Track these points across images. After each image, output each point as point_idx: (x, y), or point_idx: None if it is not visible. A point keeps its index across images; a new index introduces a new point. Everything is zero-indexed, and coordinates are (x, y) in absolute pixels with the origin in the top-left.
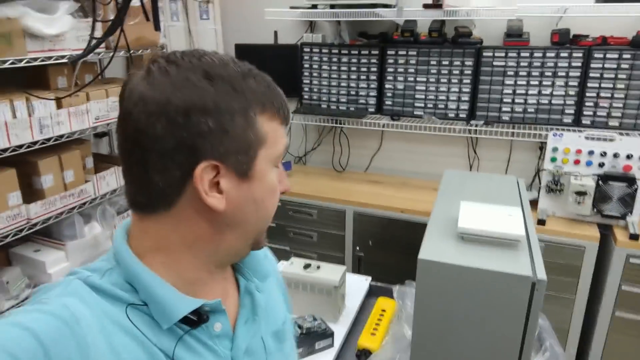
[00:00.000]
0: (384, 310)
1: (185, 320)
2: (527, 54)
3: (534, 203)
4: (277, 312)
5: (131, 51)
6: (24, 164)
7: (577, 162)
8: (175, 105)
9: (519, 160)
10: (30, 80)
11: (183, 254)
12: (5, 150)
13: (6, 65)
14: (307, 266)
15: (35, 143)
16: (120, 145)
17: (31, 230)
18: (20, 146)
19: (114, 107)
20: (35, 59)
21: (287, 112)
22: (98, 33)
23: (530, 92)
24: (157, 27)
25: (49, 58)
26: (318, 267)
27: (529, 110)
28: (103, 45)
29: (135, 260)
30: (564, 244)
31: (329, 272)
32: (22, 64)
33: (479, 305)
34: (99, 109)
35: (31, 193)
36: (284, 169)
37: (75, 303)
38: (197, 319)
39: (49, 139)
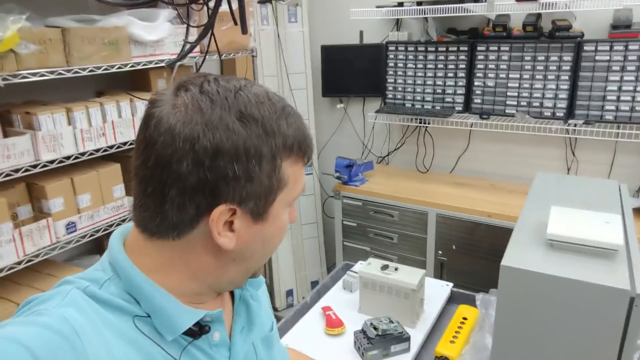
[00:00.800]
0: (465, 318)
1: (187, 331)
2: (637, 47)
3: (639, 211)
4: (264, 318)
5: (222, 55)
6: (127, 160)
7: None
8: (204, 146)
9: (623, 164)
10: (134, 83)
11: (184, 280)
12: (112, 147)
13: (114, 70)
14: (384, 267)
15: None
16: (137, 168)
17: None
18: (125, 143)
19: None
20: (138, 64)
21: (311, 153)
22: (192, 38)
23: (639, 88)
24: (244, 31)
25: (150, 62)
26: (396, 269)
27: (637, 108)
28: (198, 49)
29: (137, 271)
30: None
31: (407, 275)
32: (127, 68)
33: (567, 320)
34: None
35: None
36: (365, 169)
37: (75, 315)
38: (198, 329)
39: None
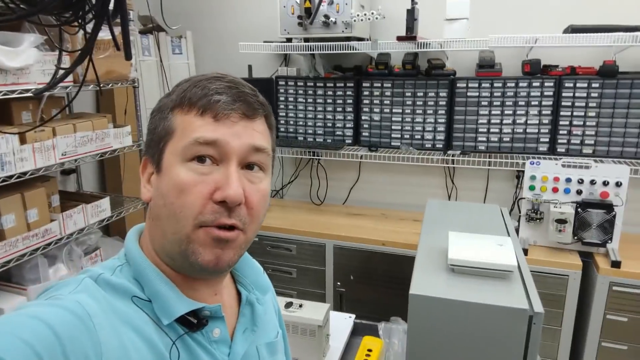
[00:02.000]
0: (370, 350)
1: (185, 322)
2: (500, 84)
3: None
4: (270, 325)
5: (101, 85)
6: None
7: (555, 190)
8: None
9: (496, 189)
10: None
11: (158, 253)
12: None
13: None
14: (288, 305)
15: None
16: None
17: None
18: None
19: (82, 142)
20: None
21: (213, 103)
22: (66, 66)
23: (505, 121)
24: (128, 57)
25: (13, 92)
26: (300, 306)
27: (505, 139)
28: (71, 78)
29: (143, 257)
30: (548, 274)
31: (311, 311)
32: None
33: (474, 341)
34: (66, 145)
35: None
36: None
37: (87, 300)
38: (196, 322)
39: (11, 176)
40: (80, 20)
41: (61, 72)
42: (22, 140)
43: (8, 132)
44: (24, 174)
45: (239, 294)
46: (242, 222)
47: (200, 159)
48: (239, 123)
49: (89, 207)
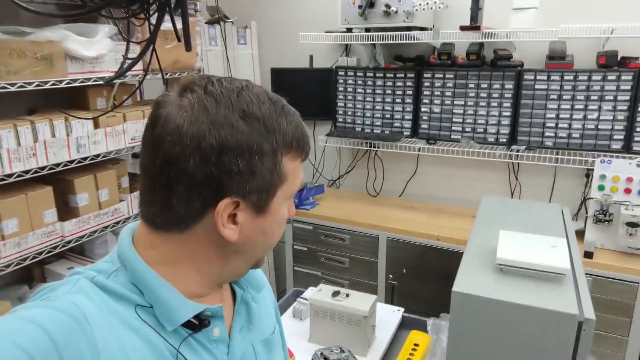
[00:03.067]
0: (416, 345)
1: (188, 324)
2: (571, 77)
3: (580, 234)
4: (267, 322)
5: (167, 74)
6: (60, 182)
7: (627, 191)
8: (210, 143)
9: (563, 187)
10: (71, 101)
11: (189, 271)
12: (43, 168)
13: (47, 86)
14: (335, 293)
15: (72, 162)
16: (145, 166)
17: (65, 248)
18: (58, 164)
19: None
20: (74, 80)
21: (309, 149)
22: (135, 55)
23: (575, 116)
24: (188, 48)
25: (88, 79)
26: (347, 295)
27: (574, 135)
28: (141, 67)
29: (143, 263)
30: (615, 279)
31: (358, 301)
32: (62, 85)
33: (518, 344)
34: (135, 130)
35: (66, 211)
36: (316, 192)
37: (85, 301)
38: (198, 323)
39: (85, 158)
40: (145, 13)
41: (128, 62)
42: (96, 125)
43: (82, 118)
44: (97, 156)
45: (233, 292)
46: None
47: None
48: None
49: None
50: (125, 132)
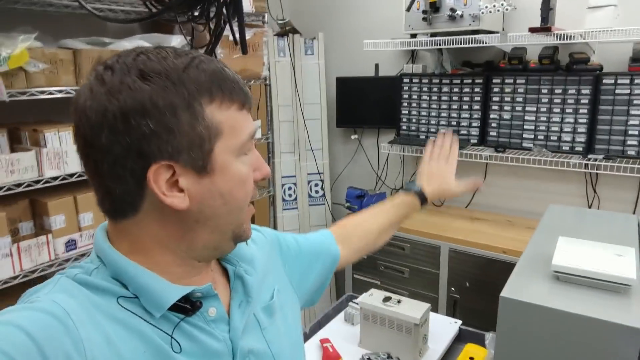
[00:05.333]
0: (471, 358)
1: (179, 309)
2: None
3: None
4: (265, 290)
5: None
6: None
7: None
8: (112, 112)
9: None
10: None
11: (164, 254)
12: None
13: None
14: (387, 299)
15: None
16: (79, 157)
17: None
18: None
19: None
20: None
21: (245, 94)
22: None
23: None
24: (244, 51)
25: None
26: (399, 302)
27: None
28: None
29: (120, 255)
30: None
31: (410, 308)
32: None
33: (572, 358)
34: None
35: None
36: (377, 200)
37: (65, 299)
38: (190, 306)
39: None
40: (206, 18)
41: None
42: None
43: None
44: None
45: (225, 271)
46: None
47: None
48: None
49: None
50: None
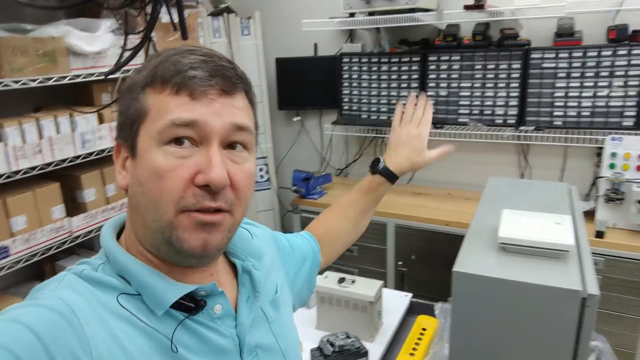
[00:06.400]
0: (424, 329)
1: (182, 307)
2: (580, 54)
3: (591, 214)
4: (271, 284)
5: None
6: (67, 178)
7: (639, 168)
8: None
9: (574, 168)
10: (76, 98)
11: (141, 244)
12: (49, 164)
13: (51, 82)
14: (341, 280)
15: (77, 157)
16: None
17: (74, 243)
18: (64, 160)
19: None
20: (78, 76)
21: (188, 79)
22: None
23: (584, 94)
24: (184, 36)
25: (91, 75)
26: (353, 282)
27: (584, 113)
28: (144, 59)
29: (122, 251)
30: (627, 259)
31: (364, 287)
32: (65, 81)
33: (522, 323)
34: None
35: (74, 207)
36: (323, 182)
37: (71, 295)
38: (194, 305)
39: (91, 154)
40: (140, 2)
41: (127, 54)
42: (101, 120)
43: (85, 112)
44: (103, 151)
45: (233, 266)
46: (229, 204)
47: (178, 141)
48: (218, 100)
49: None
50: None
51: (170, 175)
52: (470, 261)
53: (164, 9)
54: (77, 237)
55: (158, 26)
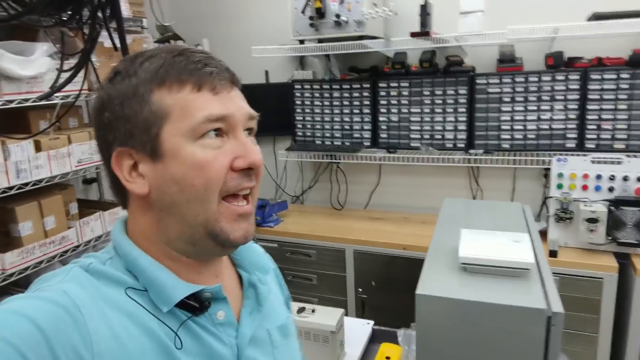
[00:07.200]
0: (388, 357)
1: (187, 307)
2: (522, 79)
3: (543, 234)
4: (279, 308)
5: None
6: (0, 210)
7: (585, 187)
8: (93, 111)
9: (524, 189)
10: (10, 125)
11: (151, 245)
12: None
13: None
14: (301, 310)
15: (11, 188)
16: None
17: (6, 282)
18: None
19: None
20: (11, 101)
21: (207, 75)
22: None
23: (529, 117)
24: (125, 54)
25: (26, 100)
26: (313, 311)
27: (530, 136)
28: (86, 86)
29: (133, 246)
30: (580, 276)
31: (324, 316)
32: None
33: (488, 345)
34: (82, 152)
35: (8, 242)
36: (279, 209)
37: (75, 289)
38: (199, 305)
39: (26, 184)
40: (77, 21)
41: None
42: (38, 148)
43: (19, 139)
44: (40, 181)
45: (240, 277)
46: (254, 183)
47: (208, 134)
48: (232, 93)
49: (107, 214)
50: (71, 155)
51: (212, 165)
52: (433, 283)
53: (104, 33)
54: (11, 274)
55: (100, 51)
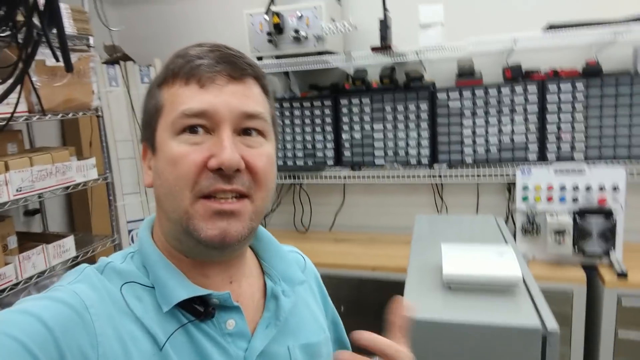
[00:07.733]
0: None
1: (193, 311)
2: (482, 92)
3: None
4: (311, 325)
5: (59, 114)
6: None
7: (550, 199)
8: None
9: (488, 204)
10: None
11: (163, 242)
12: None
13: None
14: None
15: None
16: None
17: None
18: None
19: (40, 176)
20: None
21: (194, 68)
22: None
23: (490, 130)
24: (68, 68)
25: None
26: None
27: (492, 149)
28: (26, 108)
29: (149, 243)
30: (550, 290)
31: None
32: None
33: None
34: (22, 179)
35: None
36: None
37: (86, 290)
38: (203, 310)
39: None
40: (10, 29)
41: None
42: None
43: None
44: None
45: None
46: (246, 187)
47: (192, 129)
48: (227, 87)
49: (50, 247)
50: (9, 183)
51: (183, 161)
52: (417, 305)
53: (46, 51)
54: None
55: (42, 68)
